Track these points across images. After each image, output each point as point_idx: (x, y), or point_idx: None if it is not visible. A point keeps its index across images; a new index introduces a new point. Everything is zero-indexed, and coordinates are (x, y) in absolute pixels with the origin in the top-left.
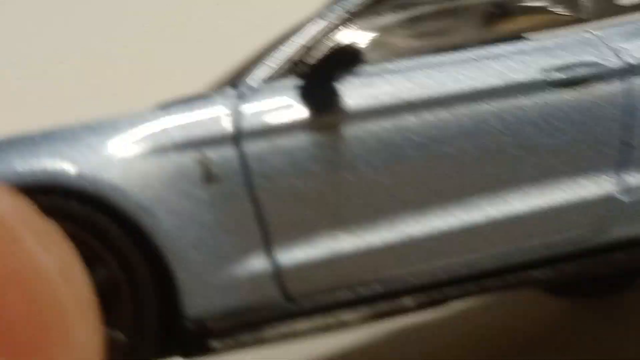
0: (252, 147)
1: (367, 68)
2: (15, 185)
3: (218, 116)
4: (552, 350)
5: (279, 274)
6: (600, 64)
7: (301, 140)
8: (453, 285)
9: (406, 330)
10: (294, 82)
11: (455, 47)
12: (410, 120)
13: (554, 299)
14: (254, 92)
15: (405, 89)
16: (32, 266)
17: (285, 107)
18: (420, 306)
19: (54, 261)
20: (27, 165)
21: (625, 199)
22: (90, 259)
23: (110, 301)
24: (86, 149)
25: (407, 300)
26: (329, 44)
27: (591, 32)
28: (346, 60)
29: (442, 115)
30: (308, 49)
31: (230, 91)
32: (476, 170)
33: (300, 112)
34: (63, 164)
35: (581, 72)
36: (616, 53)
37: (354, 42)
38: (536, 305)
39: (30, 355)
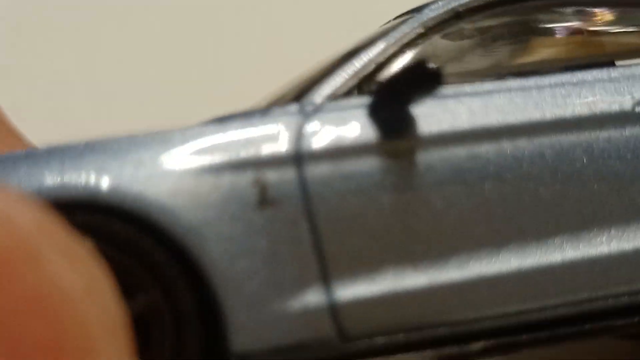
0: (314, 170)
1: (442, 89)
2: (46, 200)
3: (278, 134)
4: None
5: (335, 310)
6: None
7: (368, 165)
8: (526, 332)
9: None
10: (362, 101)
11: (537, 71)
12: (487, 148)
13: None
14: (318, 110)
15: (484, 114)
16: (55, 286)
17: (352, 128)
18: (489, 352)
19: (80, 280)
20: (61, 178)
21: None
22: (131, 285)
23: (151, 332)
24: (132, 162)
25: (476, 346)
26: (402, 61)
27: None
28: (422, 80)
29: (522, 144)
30: (379, 65)
31: (293, 107)
32: (557, 207)
33: (368, 134)
34: (104, 178)
35: None
36: None
37: (432, 61)
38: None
39: None
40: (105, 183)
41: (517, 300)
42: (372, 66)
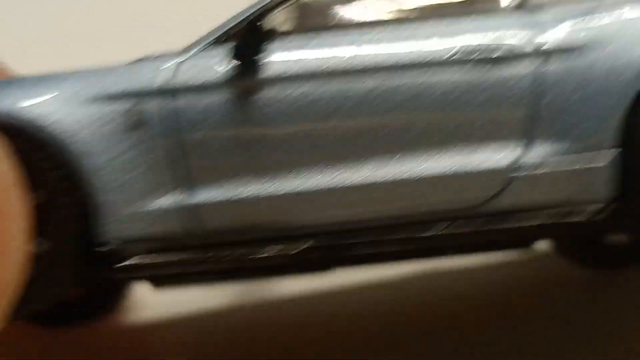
0: (181, 101)
1: (295, 36)
2: None
3: (156, 72)
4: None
5: (197, 209)
6: (516, 47)
7: (225, 97)
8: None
9: (401, 282)
10: (225, 49)
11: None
12: (322, 84)
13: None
14: (193, 55)
15: (319, 59)
16: None
17: (215, 69)
18: (318, 250)
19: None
20: None
21: (521, 172)
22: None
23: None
24: (37, 93)
25: (303, 244)
26: (259, 18)
27: (522, 12)
28: (259, 35)
29: (358, 83)
30: (247, 23)
31: (177, 53)
32: (382, 134)
33: (226, 73)
34: (17, 104)
35: (495, 53)
36: (536, 36)
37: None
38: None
39: None
40: (17, 107)
41: (344, 208)
42: (241, 24)
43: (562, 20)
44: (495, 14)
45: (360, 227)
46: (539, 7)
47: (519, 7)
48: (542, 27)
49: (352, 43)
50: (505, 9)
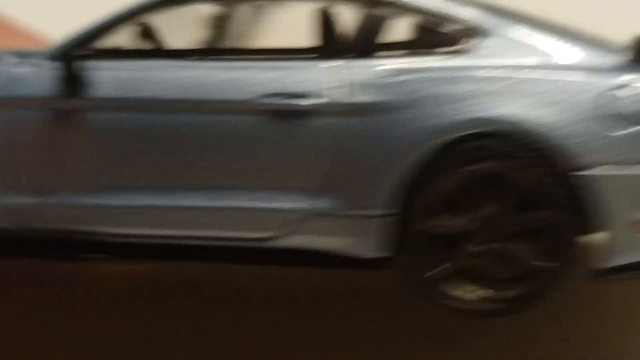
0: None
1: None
2: None
3: None
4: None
5: (19, 210)
6: (321, 98)
7: (40, 113)
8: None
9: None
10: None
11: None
12: (133, 115)
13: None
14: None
15: (134, 86)
16: None
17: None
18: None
19: None
20: None
21: (305, 217)
22: None
23: None
24: None
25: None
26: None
27: (337, 65)
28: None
29: (160, 113)
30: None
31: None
32: (186, 164)
33: (45, 90)
34: None
35: (296, 102)
36: (341, 92)
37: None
38: None
39: None
40: None
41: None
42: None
43: (370, 77)
44: (311, 64)
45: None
46: (354, 63)
47: (339, 58)
48: (351, 83)
49: (161, 71)
50: (321, 61)
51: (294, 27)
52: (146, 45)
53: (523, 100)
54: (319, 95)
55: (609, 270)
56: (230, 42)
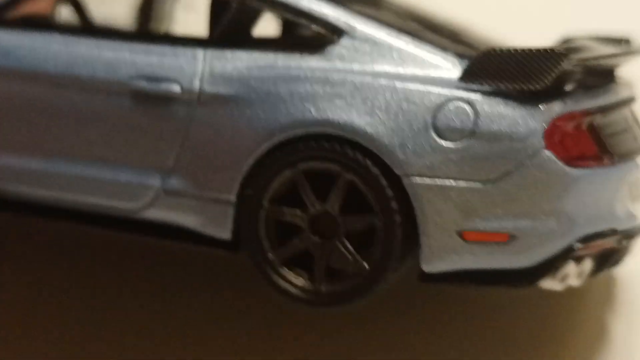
0: None
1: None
2: None
3: None
4: None
5: None
6: (182, 84)
7: None
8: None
9: None
10: None
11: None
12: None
13: None
14: None
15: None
16: None
17: None
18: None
19: None
20: None
21: (162, 193)
22: None
23: None
24: None
25: None
26: None
27: (203, 47)
28: None
29: (31, 86)
30: None
31: None
32: (60, 135)
33: None
34: None
35: (161, 87)
36: (205, 77)
37: None
38: None
39: None
40: None
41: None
42: None
43: (226, 70)
44: (179, 52)
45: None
46: (215, 54)
47: (203, 48)
48: (208, 73)
49: (48, 45)
50: (188, 49)
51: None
52: (64, 20)
53: (361, 106)
54: (177, 82)
55: (433, 275)
56: (147, 24)
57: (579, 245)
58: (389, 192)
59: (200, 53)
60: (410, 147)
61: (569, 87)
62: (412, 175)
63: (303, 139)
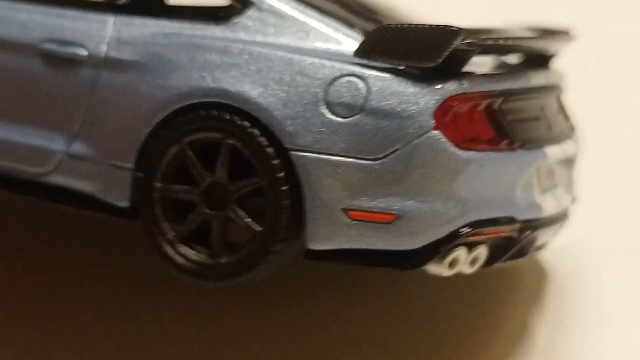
0: None
1: None
2: None
3: None
4: None
5: None
6: (89, 48)
7: None
8: None
9: None
10: None
11: None
12: None
13: None
14: None
15: None
16: None
17: None
18: None
19: None
20: None
21: (67, 158)
22: None
23: None
24: None
25: None
26: None
27: (114, 13)
28: None
29: None
30: None
31: None
32: None
33: None
34: None
35: (69, 50)
36: (112, 43)
37: None
38: None
39: None
40: None
41: None
42: None
43: (132, 36)
44: (90, 16)
45: None
46: (124, 20)
47: (113, 13)
48: (114, 39)
49: None
50: (99, 14)
51: None
52: None
53: (256, 76)
54: (84, 46)
55: (318, 253)
56: None
57: (467, 230)
58: (276, 161)
59: (110, 18)
60: (300, 120)
61: (470, 68)
62: (300, 148)
63: (193, 109)
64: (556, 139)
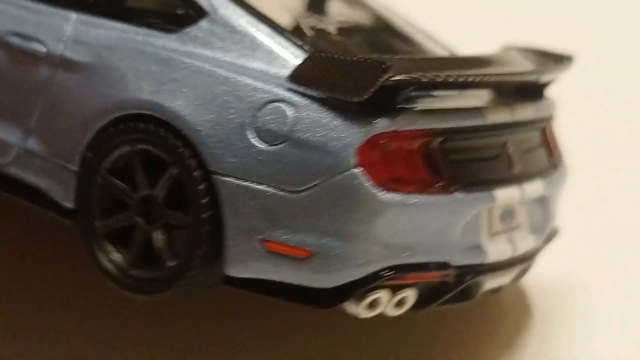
0: None
1: None
2: None
3: None
4: None
5: None
6: (47, 46)
7: None
8: None
9: None
10: None
11: None
12: None
13: None
14: None
15: None
16: None
17: None
18: None
19: None
20: None
21: (23, 152)
22: None
23: None
24: None
25: None
26: None
27: (77, 11)
28: None
29: None
30: None
31: None
32: None
33: None
34: None
35: (30, 45)
36: (68, 42)
37: None
38: None
39: None
40: None
41: None
42: None
43: (87, 37)
44: (56, 13)
45: None
46: (84, 20)
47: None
48: (71, 39)
49: None
50: (65, 11)
51: None
52: None
53: (191, 93)
54: (44, 43)
55: (236, 280)
56: None
57: (389, 273)
58: (201, 187)
59: (72, 16)
60: (226, 144)
61: (412, 104)
62: (223, 173)
63: (134, 118)
64: (520, 179)
